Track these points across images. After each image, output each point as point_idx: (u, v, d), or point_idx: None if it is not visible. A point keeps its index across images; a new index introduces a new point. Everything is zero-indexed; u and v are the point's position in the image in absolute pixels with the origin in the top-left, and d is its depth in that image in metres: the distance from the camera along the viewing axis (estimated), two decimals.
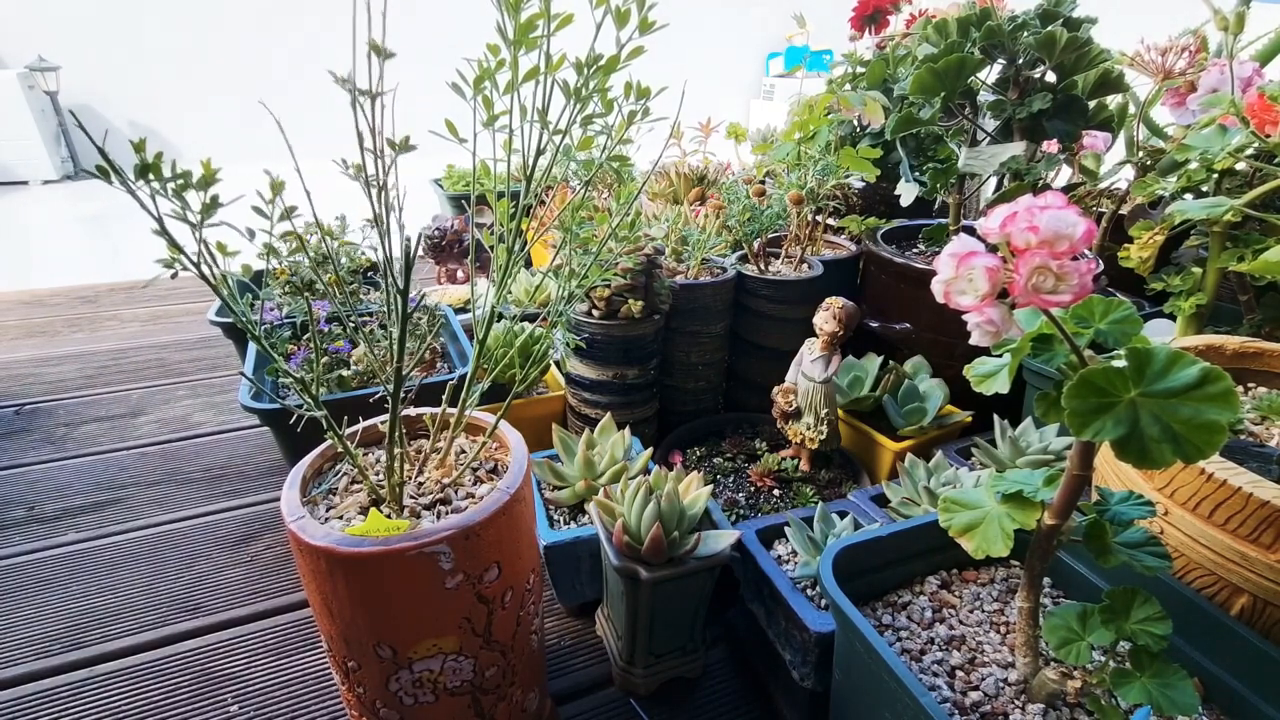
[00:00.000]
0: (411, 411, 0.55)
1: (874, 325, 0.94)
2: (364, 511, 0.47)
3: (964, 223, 0.96)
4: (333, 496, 0.49)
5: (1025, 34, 0.79)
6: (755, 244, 0.97)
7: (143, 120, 4.67)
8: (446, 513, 0.47)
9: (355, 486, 0.50)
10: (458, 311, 1.11)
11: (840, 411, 0.84)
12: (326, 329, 0.89)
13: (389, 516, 0.45)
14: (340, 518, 0.46)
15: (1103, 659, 0.46)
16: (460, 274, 1.47)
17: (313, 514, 0.46)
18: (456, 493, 0.49)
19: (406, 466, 0.50)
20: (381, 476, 0.49)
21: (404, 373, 0.46)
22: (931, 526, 0.45)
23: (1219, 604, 0.47)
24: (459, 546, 0.43)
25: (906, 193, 1.02)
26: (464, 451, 0.54)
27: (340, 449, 0.47)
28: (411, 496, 0.49)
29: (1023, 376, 0.77)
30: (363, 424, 0.53)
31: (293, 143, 0.41)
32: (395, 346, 0.44)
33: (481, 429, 0.55)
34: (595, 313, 0.82)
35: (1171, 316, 0.77)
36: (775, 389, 0.80)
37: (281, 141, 0.39)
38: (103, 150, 0.33)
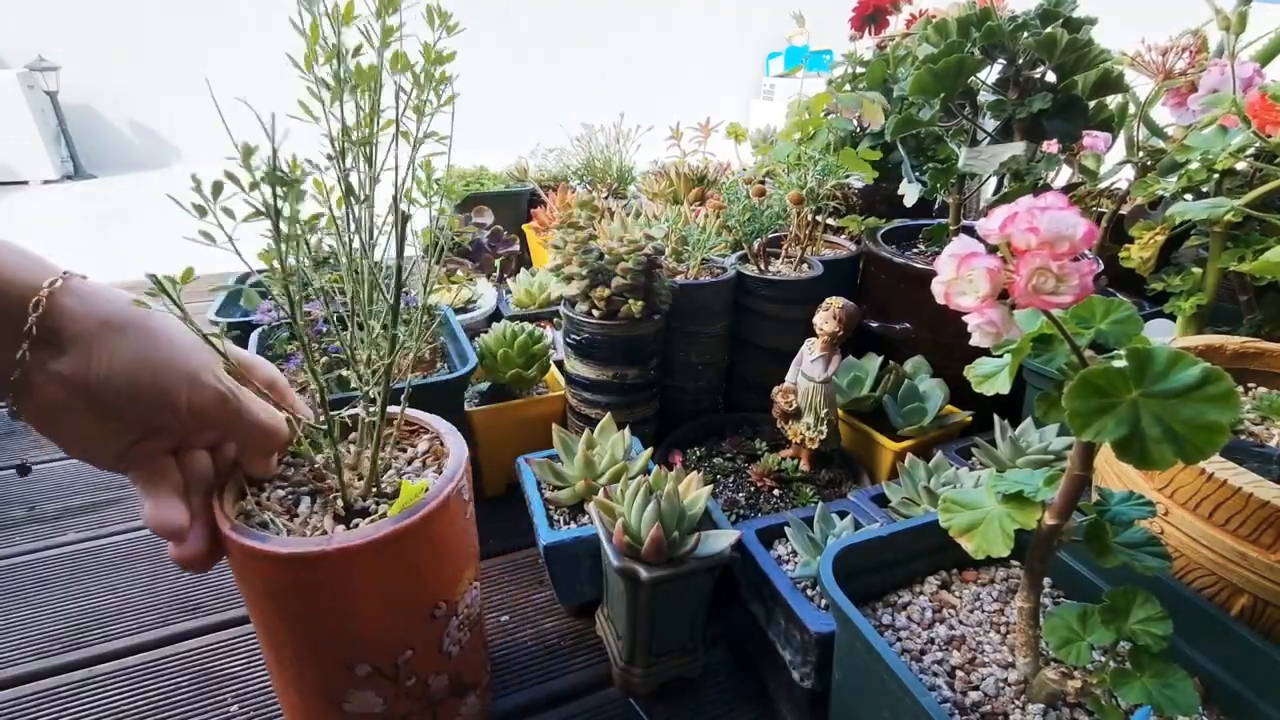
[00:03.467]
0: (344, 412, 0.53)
1: (874, 325, 0.94)
2: (290, 513, 0.45)
3: (964, 223, 0.96)
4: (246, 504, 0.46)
5: (1025, 34, 0.79)
6: (755, 244, 0.97)
7: (143, 120, 4.67)
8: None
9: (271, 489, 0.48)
10: (458, 311, 1.11)
11: (840, 411, 0.84)
12: (326, 329, 0.89)
13: (346, 516, 0.45)
14: (270, 526, 0.44)
15: (1103, 659, 0.46)
16: (459, 274, 1.47)
17: (246, 530, 0.43)
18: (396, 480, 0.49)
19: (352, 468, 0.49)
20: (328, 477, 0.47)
21: (392, 368, 0.46)
22: (931, 526, 0.45)
23: (1219, 604, 0.47)
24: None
25: (910, 193, 1.02)
26: (402, 448, 0.54)
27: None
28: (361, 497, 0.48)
29: (1023, 377, 0.77)
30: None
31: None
32: (387, 342, 0.44)
33: (416, 428, 0.54)
34: (595, 313, 0.81)
35: (1172, 317, 0.77)
36: (775, 389, 0.80)
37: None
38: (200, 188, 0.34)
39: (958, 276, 0.31)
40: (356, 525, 0.44)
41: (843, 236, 1.14)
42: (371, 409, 0.48)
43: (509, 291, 1.25)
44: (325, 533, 0.44)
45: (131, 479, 0.42)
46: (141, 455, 0.41)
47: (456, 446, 0.50)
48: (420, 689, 0.48)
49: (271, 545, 0.40)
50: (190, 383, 0.39)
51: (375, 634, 0.44)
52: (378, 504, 0.47)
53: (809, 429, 0.78)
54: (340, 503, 0.46)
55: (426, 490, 0.44)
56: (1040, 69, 0.82)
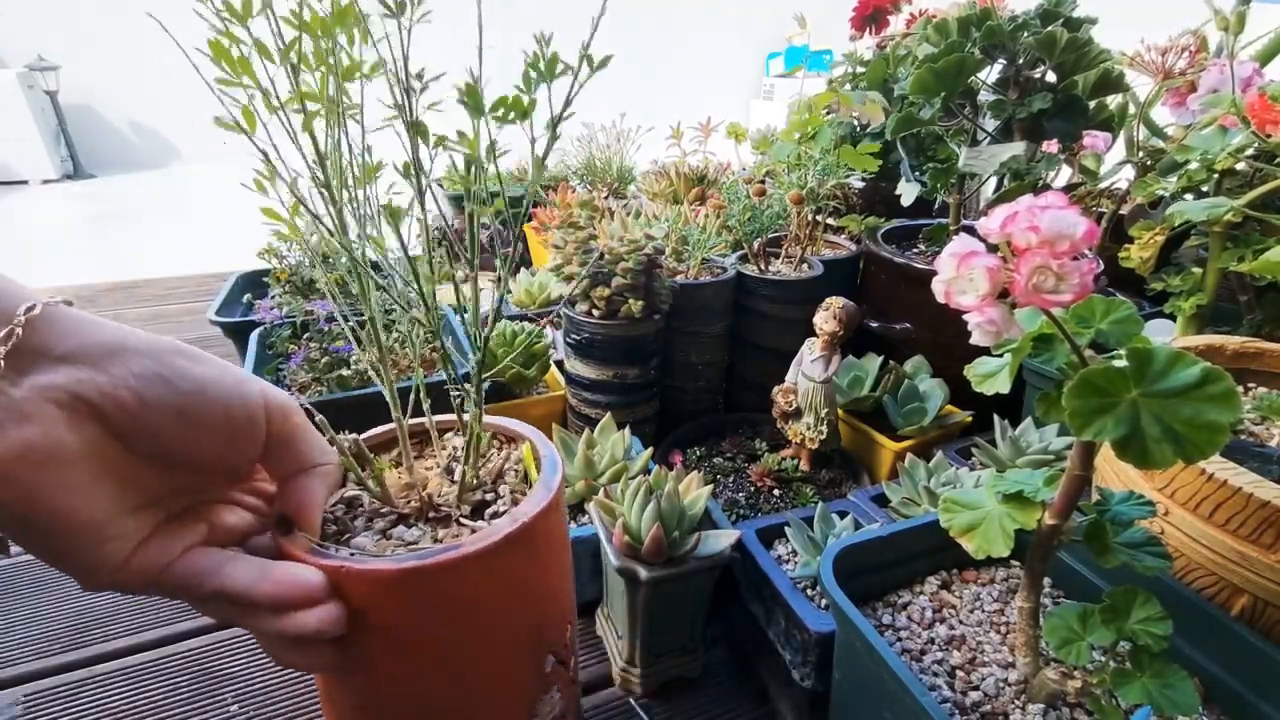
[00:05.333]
0: (408, 420, 0.46)
1: (874, 325, 0.94)
2: (385, 535, 0.38)
3: (964, 222, 0.96)
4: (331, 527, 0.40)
5: (1025, 34, 0.79)
6: (755, 244, 0.97)
7: (143, 120, 4.67)
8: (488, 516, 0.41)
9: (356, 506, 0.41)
10: (457, 311, 1.11)
11: (840, 411, 0.84)
12: (326, 328, 0.89)
13: (431, 531, 0.38)
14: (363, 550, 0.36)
15: (1103, 659, 0.46)
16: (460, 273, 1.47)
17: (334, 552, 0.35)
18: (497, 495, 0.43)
19: (432, 474, 0.43)
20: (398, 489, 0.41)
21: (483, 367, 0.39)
22: (931, 526, 0.45)
23: (1219, 604, 0.47)
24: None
25: (908, 192, 1.02)
26: (485, 456, 0.47)
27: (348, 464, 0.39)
28: (442, 506, 0.41)
29: (1023, 376, 0.77)
30: (345, 436, 0.44)
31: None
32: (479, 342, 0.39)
33: (496, 436, 0.48)
34: (595, 313, 0.81)
35: (1172, 317, 0.77)
36: (775, 389, 0.80)
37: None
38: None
39: (958, 275, 0.31)
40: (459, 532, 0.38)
41: (843, 236, 1.14)
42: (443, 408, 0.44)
43: (509, 291, 1.24)
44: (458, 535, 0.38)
45: (163, 583, 0.29)
46: (164, 546, 0.29)
47: (545, 444, 0.44)
48: (576, 667, 0.47)
49: (465, 549, 0.33)
50: (263, 388, 0.31)
51: (555, 614, 0.41)
52: (479, 512, 0.41)
53: (809, 429, 0.78)
54: (454, 513, 0.40)
55: (536, 458, 0.41)
56: (1040, 69, 0.82)
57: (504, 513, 0.39)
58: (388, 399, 0.42)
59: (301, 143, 0.34)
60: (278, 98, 0.33)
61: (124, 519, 0.28)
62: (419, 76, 0.34)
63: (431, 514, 0.40)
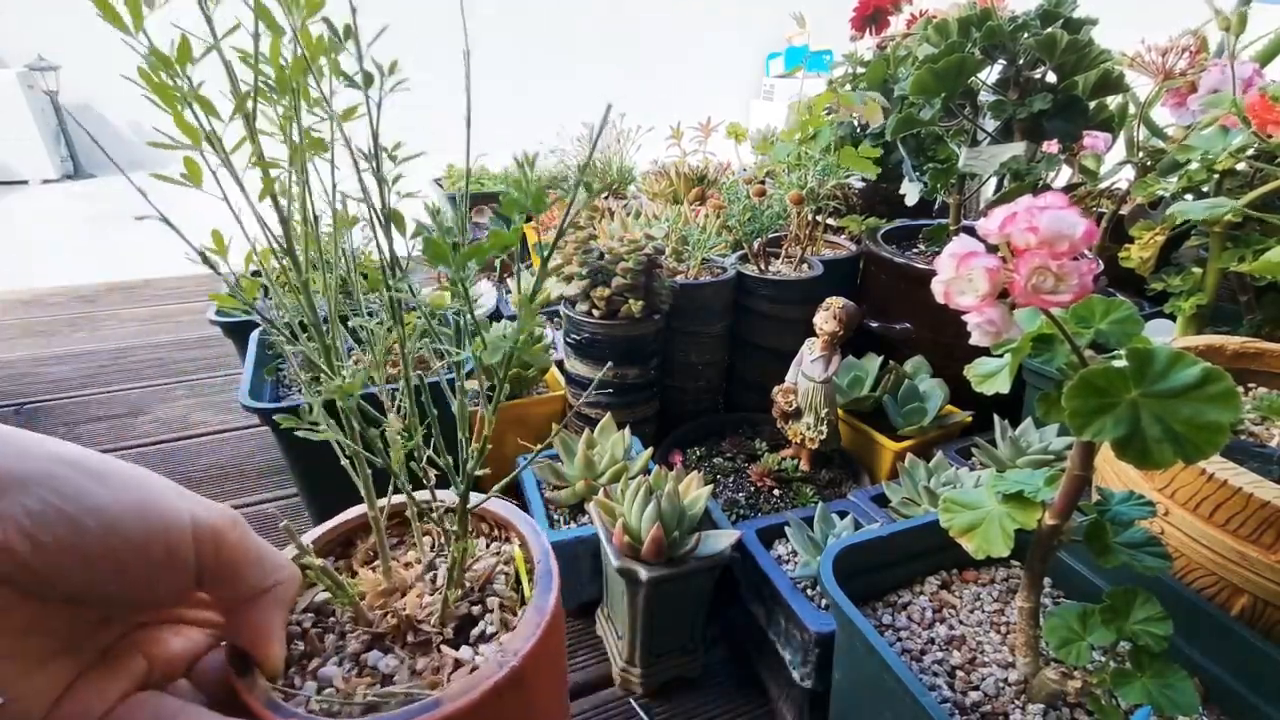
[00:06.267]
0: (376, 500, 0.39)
1: (874, 325, 0.94)
2: (358, 662, 0.33)
3: (964, 223, 0.96)
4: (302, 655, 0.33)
5: (1026, 35, 0.79)
6: (755, 244, 0.97)
7: (143, 120, 4.66)
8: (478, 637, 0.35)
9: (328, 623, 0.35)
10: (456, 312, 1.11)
11: (840, 411, 0.84)
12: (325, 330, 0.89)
13: (410, 659, 0.34)
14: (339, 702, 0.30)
15: (1103, 659, 0.46)
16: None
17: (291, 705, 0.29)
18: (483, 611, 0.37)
19: (409, 581, 0.38)
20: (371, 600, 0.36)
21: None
22: (931, 526, 0.45)
23: (1219, 604, 0.47)
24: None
25: (911, 192, 1.02)
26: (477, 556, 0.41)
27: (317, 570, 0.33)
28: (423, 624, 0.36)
29: (1023, 376, 0.77)
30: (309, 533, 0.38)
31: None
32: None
33: (484, 519, 0.42)
34: (595, 312, 0.81)
35: (1172, 317, 0.77)
36: (775, 389, 0.80)
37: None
38: None
39: (957, 275, 0.31)
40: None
41: (843, 236, 1.14)
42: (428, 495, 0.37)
43: (509, 291, 1.25)
44: (467, 664, 0.33)
45: None
46: (91, 698, 0.25)
47: (539, 543, 0.38)
48: None
49: (443, 709, 0.27)
50: (183, 512, 0.26)
51: None
52: (464, 630, 0.36)
53: (809, 429, 0.78)
54: (436, 635, 0.35)
55: (529, 563, 0.36)
56: (1040, 69, 0.82)
57: (492, 635, 0.35)
58: (357, 483, 0.36)
59: (259, 210, 0.32)
60: (224, 155, 0.30)
61: (28, 678, 0.23)
62: (391, 156, 0.30)
63: (410, 637, 0.35)
